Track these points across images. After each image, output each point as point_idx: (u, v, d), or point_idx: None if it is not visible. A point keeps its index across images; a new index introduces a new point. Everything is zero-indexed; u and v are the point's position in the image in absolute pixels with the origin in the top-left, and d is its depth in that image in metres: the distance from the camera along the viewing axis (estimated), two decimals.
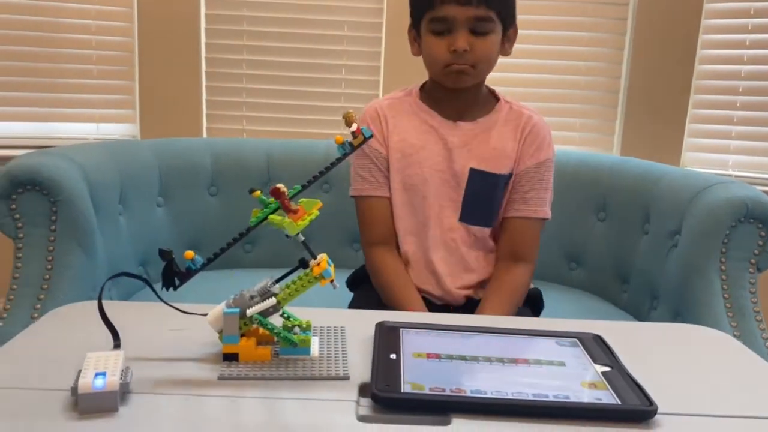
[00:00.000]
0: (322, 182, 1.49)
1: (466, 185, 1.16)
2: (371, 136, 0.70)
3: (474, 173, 1.15)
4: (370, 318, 0.80)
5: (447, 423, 0.60)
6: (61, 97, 2.22)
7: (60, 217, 1.28)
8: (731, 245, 1.30)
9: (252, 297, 0.71)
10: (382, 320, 0.79)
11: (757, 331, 1.27)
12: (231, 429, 0.58)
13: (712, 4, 2.23)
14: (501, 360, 0.71)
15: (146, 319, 0.80)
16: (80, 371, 0.60)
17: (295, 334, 0.72)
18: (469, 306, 1.17)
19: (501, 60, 1.17)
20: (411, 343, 0.74)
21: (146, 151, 1.66)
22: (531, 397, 0.63)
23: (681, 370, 0.75)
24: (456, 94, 1.15)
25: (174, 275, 0.66)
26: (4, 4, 2.13)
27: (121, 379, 0.60)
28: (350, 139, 0.70)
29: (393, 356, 0.70)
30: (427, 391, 0.63)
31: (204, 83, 2.27)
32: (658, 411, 0.62)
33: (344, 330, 0.79)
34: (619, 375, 0.69)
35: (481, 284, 1.20)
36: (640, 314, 1.52)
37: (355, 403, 0.63)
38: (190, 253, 0.65)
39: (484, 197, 1.17)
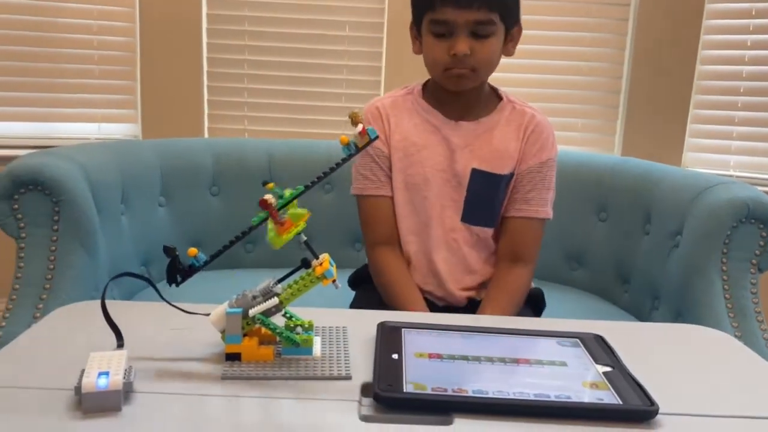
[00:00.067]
0: (323, 182, 1.49)
1: (468, 185, 1.15)
2: (377, 137, 0.69)
3: (476, 173, 1.15)
4: (372, 318, 0.80)
5: (449, 423, 0.60)
6: (63, 97, 2.22)
7: (62, 217, 1.28)
8: (732, 246, 1.30)
9: (254, 297, 0.71)
10: (384, 320, 0.80)
11: (758, 331, 1.27)
12: (233, 428, 0.58)
13: (714, 4, 2.23)
14: (503, 360, 0.71)
15: (149, 319, 0.81)
16: (83, 371, 0.61)
17: (297, 334, 0.72)
18: (471, 307, 1.17)
19: (502, 60, 1.15)
20: (413, 343, 0.74)
21: (148, 151, 1.66)
22: (532, 397, 0.63)
23: (682, 370, 0.75)
24: (458, 94, 1.14)
25: (177, 272, 0.66)
26: (5, 4, 2.13)
27: (124, 378, 0.60)
28: (355, 139, 0.69)
29: (395, 356, 0.70)
30: (429, 391, 0.63)
31: (205, 83, 2.27)
32: (660, 411, 0.62)
33: (346, 330, 0.79)
34: (620, 375, 0.69)
35: (483, 285, 1.19)
36: (641, 314, 1.52)
37: (358, 403, 0.63)
38: (193, 251, 0.66)
39: (485, 197, 1.16)
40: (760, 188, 1.38)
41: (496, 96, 1.20)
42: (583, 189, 1.68)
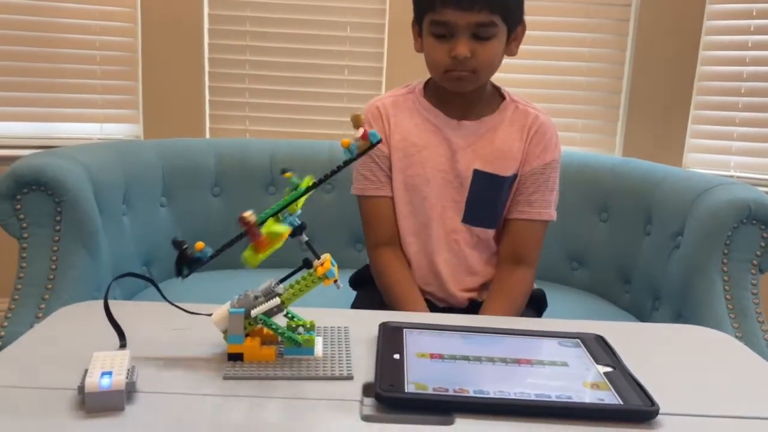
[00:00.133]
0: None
1: (470, 186, 1.14)
2: (378, 142, 0.68)
3: (478, 174, 1.14)
4: (374, 318, 0.80)
5: (450, 423, 0.60)
6: (65, 98, 2.22)
7: (64, 218, 1.28)
8: (733, 246, 1.30)
9: (256, 297, 0.71)
10: (386, 321, 0.80)
11: (759, 332, 1.27)
12: (235, 428, 0.58)
13: (714, 5, 2.23)
14: (504, 360, 0.72)
15: (151, 319, 0.81)
16: (86, 371, 0.61)
17: (299, 334, 0.72)
18: (472, 308, 1.16)
19: (503, 60, 1.13)
20: (414, 343, 0.75)
21: (150, 151, 1.66)
22: (533, 398, 0.63)
23: (683, 370, 0.76)
24: (459, 93, 1.12)
25: (185, 264, 0.66)
26: (7, 4, 2.13)
27: (127, 378, 0.60)
28: (356, 142, 0.68)
29: (396, 356, 0.70)
30: (430, 391, 0.63)
31: (207, 83, 2.28)
32: (660, 411, 0.62)
33: (348, 330, 0.80)
34: (621, 375, 0.69)
35: (484, 286, 1.19)
36: (642, 315, 1.52)
37: (359, 403, 0.63)
38: (200, 245, 0.66)
39: (488, 199, 1.15)
40: (760, 189, 1.38)
41: (499, 95, 1.18)
42: (584, 189, 1.68)
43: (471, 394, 0.63)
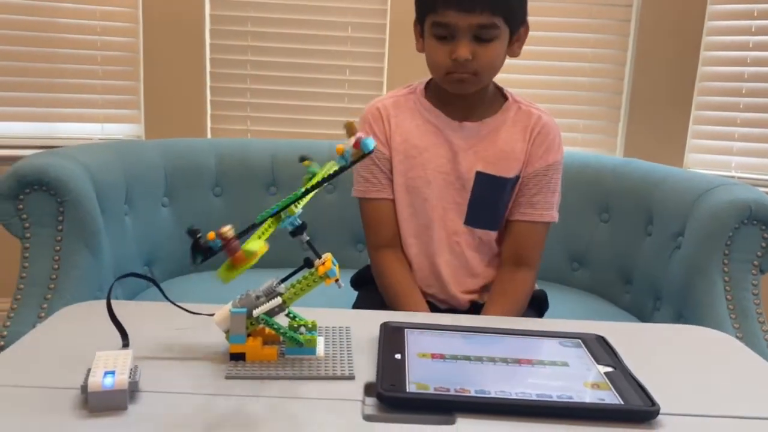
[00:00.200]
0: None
1: (472, 188, 1.14)
2: (371, 152, 0.66)
3: (480, 176, 1.13)
4: (375, 318, 0.81)
5: (452, 422, 0.61)
6: (67, 98, 2.23)
7: (67, 217, 1.29)
8: (734, 247, 1.31)
9: (258, 297, 0.71)
10: (387, 321, 0.80)
11: (759, 332, 1.28)
12: (238, 427, 0.59)
13: (716, 5, 2.23)
14: (505, 360, 0.72)
15: (153, 319, 0.81)
16: (89, 370, 0.61)
17: (300, 334, 0.73)
18: (474, 310, 1.16)
19: (505, 60, 1.13)
20: (416, 343, 0.75)
21: (151, 151, 1.67)
22: (534, 397, 0.64)
23: (683, 370, 0.76)
24: (461, 95, 1.12)
25: (199, 252, 0.66)
26: (9, 5, 2.14)
27: (129, 377, 0.61)
28: (350, 149, 0.67)
29: (398, 356, 0.71)
30: (431, 391, 0.64)
31: (208, 84, 2.28)
32: (661, 411, 0.62)
33: (349, 330, 0.80)
34: (621, 375, 0.69)
35: (486, 288, 1.19)
36: (642, 315, 1.52)
37: (361, 403, 0.63)
38: (212, 234, 0.66)
39: (490, 200, 1.15)
40: (761, 189, 1.38)
41: (501, 96, 1.18)
42: (585, 190, 1.68)
43: (472, 393, 0.64)
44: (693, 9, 2.23)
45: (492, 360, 0.72)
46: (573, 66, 2.29)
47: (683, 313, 1.35)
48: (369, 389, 0.66)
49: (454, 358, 0.72)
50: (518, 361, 0.72)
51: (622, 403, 0.64)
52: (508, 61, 1.14)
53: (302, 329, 0.74)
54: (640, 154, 1.89)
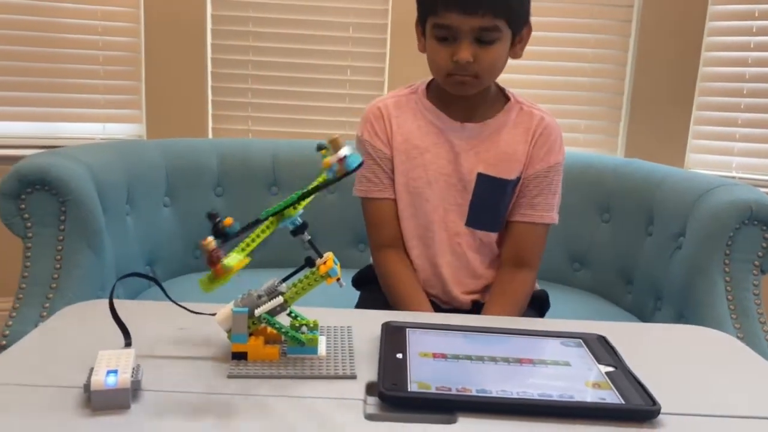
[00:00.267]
0: None
1: (473, 190, 1.13)
2: (357, 167, 0.66)
3: (482, 178, 1.13)
4: (377, 318, 0.81)
5: (453, 422, 0.61)
6: (68, 98, 2.23)
7: (69, 217, 1.29)
8: (735, 247, 1.31)
9: (260, 296, 0.72)
10: (389, 320, 0.80)
11: (760, 332, 1.28)
12: (239, 426, 0.59)
13: (717, 6, 2.23)
14: (506, 360, 0.72)
15: (155, 318, 0.81)
16: (92, 369, 0.61)
17: (302, 333, 0.73)
18: (476, 310, 1.16)
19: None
20: (417, 342, 0.75)
21: (153, 151, 1.67)
22: (536, 397, 0.64)
23: (684, 370, 0.76)
24: (462, 96, 1.11)
25: (218, 236, 0.66)
26: (11, 5, 2.14)
27: (132, 376, 0.61)
28: (336, 165, 0.66)
29: (399, 356, 0.71)
30: (433, 391, 0.64)
31: (210, 84, 2.28)
32: (662, 411, 0.62)
33: (351, 329, 0.80)
34: (622, 375, 0.69)
35: (487, 288, 1.18)
36: (643, 315, 1.52)
37: (363, 402, 0.64)
38: (229, 220, 0.66)
39: (491, 202, 1.14)
40: (762, 190, 1.38)
41: (503, 96, 1.17)
42: (586, 190, 1.68)
43: (474, 393, 0.64)
44: (694, 9, 2.23)
45: (493, 360, 0.72)
46: (574, 66, 2.29)
47: (684, 313, 1.35)
48: (371, 388, 0.66)
49: (456, 357, 0.72)
50: (519, 361, 0.72)
51: (623, 402, 0.64)
52: (509, 61, 1.14)
53: (304, 328, 0.74)
54: (641, 155, 1.89)
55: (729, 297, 1.30)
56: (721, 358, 0.82)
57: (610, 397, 0.65)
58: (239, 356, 0.70)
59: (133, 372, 0.62)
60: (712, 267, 1.31)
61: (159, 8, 2.20)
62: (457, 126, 1.14)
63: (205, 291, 0.66)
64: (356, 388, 0.66)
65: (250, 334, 0.71)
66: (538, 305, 1.22)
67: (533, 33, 1.13)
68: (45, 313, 1.23)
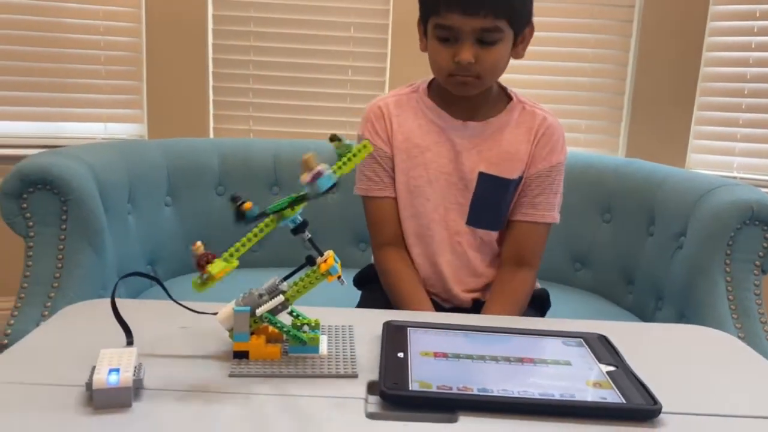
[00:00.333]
0: None
1: (474, 189, 1.13)
2: (329, 189, 0.67)
3: (483, 177, 1.13)
4: (378, 317, 0.81)
5: (454, 420, 0.61)
6: (70, 97, 2.23)
7: (70, 216, 1.29)
8: (736, 247, 1.31)
9: (261, 295, 0.72)
10: (390, 319, 0.80)
11: (761, 332, 1.28)
12: (241, 425, 0.59)
13: (718, 6, 2.23)
14: (507, 359, 0.72)
15: (157, 317, 0.81)
16: (94, 367, 0.61)
17: (304, 332, 0.73)
18: (477, 308, 1.16)
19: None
20: (418, 342, 0.75)
21: (154, 151, 1.67)
22: (537, 396, 0.64)
23: (685, 370, 0.76)
24: (464, 96, 1.12)
25: (240, 219, 0.68)
26: (13, 5, 2.14)
27: (134, 375, 0.61)
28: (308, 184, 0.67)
29: (401, 355, 0.71)
30: (434, 390, 0.64)
31: (211, 83, 2.28)
32: (663, 410, 0.62)
33: (352, 329, 0.80)
34: (623, 374, 0.70)
35: (488, 287, 1.18)
36: (644, 315, 1.52)
37: (364, 401, 0.64)
38: (248, 204, 0.67)
39: (492, 201, 1.14)
40: (763, 190, 1.38)
41: (505, 95, 1.17)
42: (587, 190, 1.68)
43: (475, 392, 0.64)
44: (695, 9, 2.23)
45: (494, 359, 0.72)
46: (575, 66, 2.29)
47: (685, 313, 1.35)
48: (372, 387, 0.66)
49: (457, 356, 0.72)
50: (521, 360, 0.72)
51: (624, 401, 0.64)
52: (511, 61, 1.13)
53: (305, 328, 0.74)
54: (642, 155, 1.89)
55: (730, 297, 1.30)
56: (722, 357, 0.82)
57: (611, 396, 0.65)
58: (241, 355, 0.70)
59: (135, 371, 0.62)
60: (713, 267, 1.31)
61: (160, 8, 2.21)
62: (458, 125, 1.14)
63: (197, 291, 0.69)
64: (357, 387, 0.66)
65: (252, 333, 0.71)
66: (539, 304, 1.22)
67: (535, 33, 1.13)
68: (47, 313, 1.23)
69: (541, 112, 1.16)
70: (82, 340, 0.74)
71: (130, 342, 0.71)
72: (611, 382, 0.68)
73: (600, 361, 0.73)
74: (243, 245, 0.70)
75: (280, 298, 0.71)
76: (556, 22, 2.26)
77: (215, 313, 0.72)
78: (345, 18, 2.26)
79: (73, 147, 1.53)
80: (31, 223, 1.28)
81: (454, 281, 1.17)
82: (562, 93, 2.31)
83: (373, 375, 0.68)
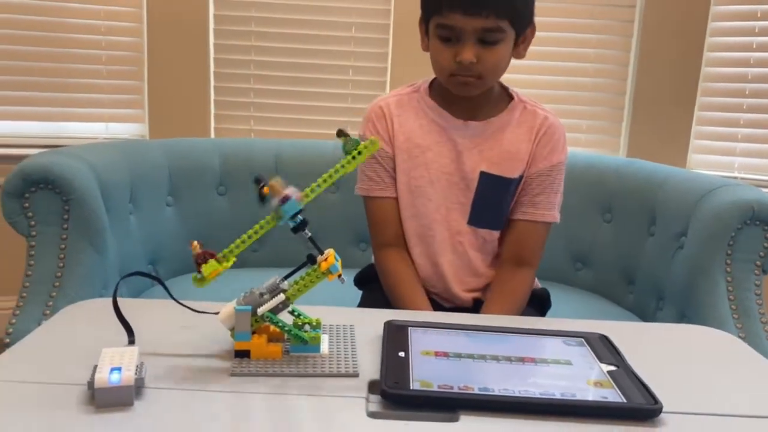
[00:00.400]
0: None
1: (476, 189, 1.13)
2: (297, 213, 0.69)
3: (485, 177, 1.13)
4: (379, 316, 0.81)
5: (455, 420, 0.61)
6: (71, 97, 2.24)
7: (72, 216, 1.29)
8: (737, 247, 1.31)
9: (262, 294, 0.72)
10: (391, 319, 0.80)
11: (762, 332, 1.28)
12: (242, 424, 0.59)
13: (719, 6, 2.23)
14: (508, 359, 0.72)
15: (159, 317, 0.82)
16: (96, 366, 0.62)
17: (305, 331, 0.73)
18: (478, 308, 1.16)
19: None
20: (419, 341, 0.75)
21: (156, 151, 1.67)
22: (537, 395, 0.64)
23: (686, 369, 0.76)
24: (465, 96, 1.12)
25: (261, 200, 0.69)
26: (14, 5, 2.15)
27: (136, 374, 0.61)
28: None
29: (402, 354, 0.71)
30: (435, 389, 0.64)
31: (212, 83, 2.28)
32: (663, 410, 0.63)
33: (353, 328, 0.80)
34: (624, 374, 0.70)
35: (488, 287, 1.18)
36: (645, 315, 1.52)
37: (365, 400, 0.64)
38: (267, 190, 0.69)
39: (493, 201, 1.14)
40: (764, 190, 1.38)
41: (506, 95, 1.17)
42: (588, 190, 1.68)
43: (476, 391, 0.64)
44: (696, 10, 2.22)
45: (495, 358, 0.72)
46: (576, 66, 2.29)
47: (686, 313, 1.35)
48: (373, 386, 0.66)
49: (458, 356, 0.72)
50: (522, 360, 0.72)
51: (624, 401, 0.64)
52: (513, 61, 1.13)
53: (306, 327, 0.74)
54: (643, 155, 1.89)
55: (731, 297, 1.30)
56: (722, 357, 0.82)
57: (612, 395, 0.65)
58: (242, 354, 0.70)
59: (136, 369, 0.62)
60: (713, 267, 1.31)
61: (162, 8, 2.21)
62: (460, 124, 1.14)
63: (197, 287, 0.71)
64: (359, 386, 0.66)
65: (253, 333, 0.71)
66: (539, 304, 1.22)
67: (537, 33, 1.13)
68: (48, 312, 1.23)
69: (542, 112, 1.16)
70: (84, 339, 0.74)
71: (131, 341, 0.72)
72: (612, 382, 0.68)
73: (601, 360, 0.73)
74: (243, 242, 0.71)
75: (281, 296, 0.71)
76: (557, 22, 2.26)
77: (216, 313, 0.73)
78: (346, 18, 2.26)
79: (74, 147, 1.53)
80: (32, 223, 1.29)
81: (454, 281, 1.17)
82: (563, 93, 2.31)
83: (374, 374, 0.68)
